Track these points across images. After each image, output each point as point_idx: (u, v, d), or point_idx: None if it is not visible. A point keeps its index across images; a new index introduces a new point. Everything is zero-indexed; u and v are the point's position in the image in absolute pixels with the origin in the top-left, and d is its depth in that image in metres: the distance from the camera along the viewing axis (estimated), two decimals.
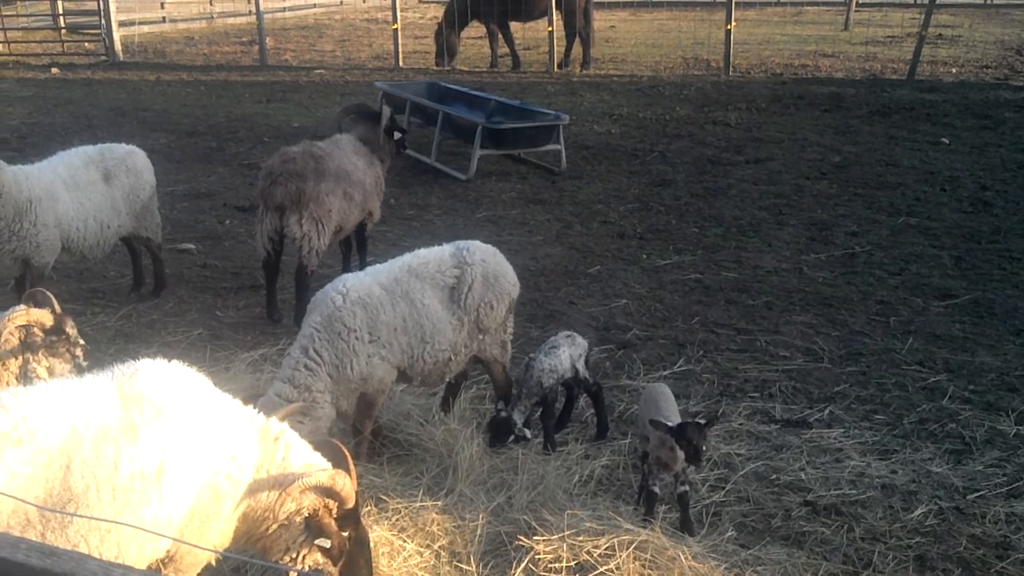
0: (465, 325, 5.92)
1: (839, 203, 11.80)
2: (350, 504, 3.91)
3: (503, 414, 5.97)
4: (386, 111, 9.08)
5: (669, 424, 5.09)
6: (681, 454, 5.11)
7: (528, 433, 5.98)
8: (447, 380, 6.26)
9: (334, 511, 3.91)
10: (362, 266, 8.58)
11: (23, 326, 5.03)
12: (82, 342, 5.27)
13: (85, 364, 5.14)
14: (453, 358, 5.94)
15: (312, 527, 3.88)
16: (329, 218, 8.13)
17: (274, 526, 3.88)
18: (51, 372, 5.04)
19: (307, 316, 5.59)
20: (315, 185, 8.00)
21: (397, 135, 9.16)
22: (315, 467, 3.90)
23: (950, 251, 10.08)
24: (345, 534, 3.95)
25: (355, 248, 9.21)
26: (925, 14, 21.10)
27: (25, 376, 4.95)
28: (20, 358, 4.99)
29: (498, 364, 6.31)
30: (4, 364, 4.94)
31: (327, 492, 3.86)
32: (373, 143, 8.91)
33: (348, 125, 9.13)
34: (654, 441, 5.21)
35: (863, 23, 27.85)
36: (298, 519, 3.87)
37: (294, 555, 3.90)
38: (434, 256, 5.98)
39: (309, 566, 3.91)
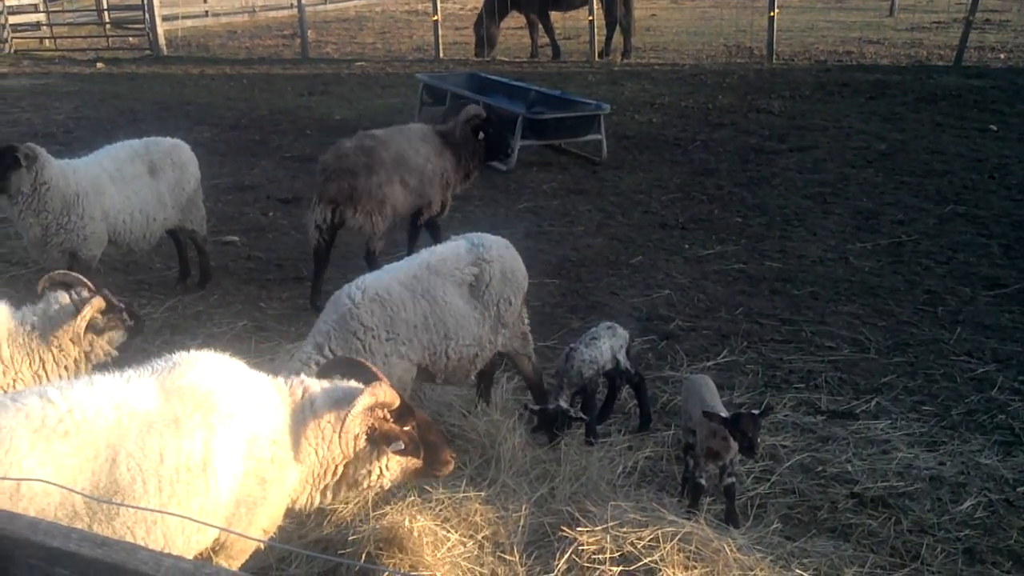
0: (487, 320, 5.86)
1: (885, 191, 11.64)
2: (397, 403, 4.05)
3: (551, 407, 5.90)
4: (475, 110, 9.13)
5: (724, 415, 5.04)
6: (734, 445, 5.07)
7: (573, 411, 5.94)
8: (471, 378, 6.15)
9: (388, 416, 4.03)
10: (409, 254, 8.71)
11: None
12: (123, 304, 5.45)
13: (132, 323, 5.44)
14: (479, 354, 5.87)
15: (377, 441, 4.02)
16: (384, 208, 8.42)
17: (341, 467, 4.03)
18: (111, 343, 5.33)
19: (324, 313, 5.53)
20: (367, 180, 8.27)
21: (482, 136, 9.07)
22: (343, 398, 4.01)
23: (999, 240, 9.91)
24: (408, 428, 4.08)
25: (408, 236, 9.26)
26: None
27: (90, 357, 5.21)
28: (87, 340, 5.18)
29: (522, 357, 6.26)
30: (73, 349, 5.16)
31: (372, 409, 3.98)
32: (449, 136, 9.00)
33: (446, 115, 9.20)
34: (704, 431, 5.17)
35: (908, 9, 27.40)
36: (361, 445, 4.01)
37: (377, 473, 4.09)
38: (451, 252, 5.89)
39: (396, 473, 4.14)
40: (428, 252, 5.94)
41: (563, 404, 5.89)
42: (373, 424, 4.01)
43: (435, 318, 5.58)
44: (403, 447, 4.03)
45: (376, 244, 8.49)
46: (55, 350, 5.03)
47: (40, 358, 5.00)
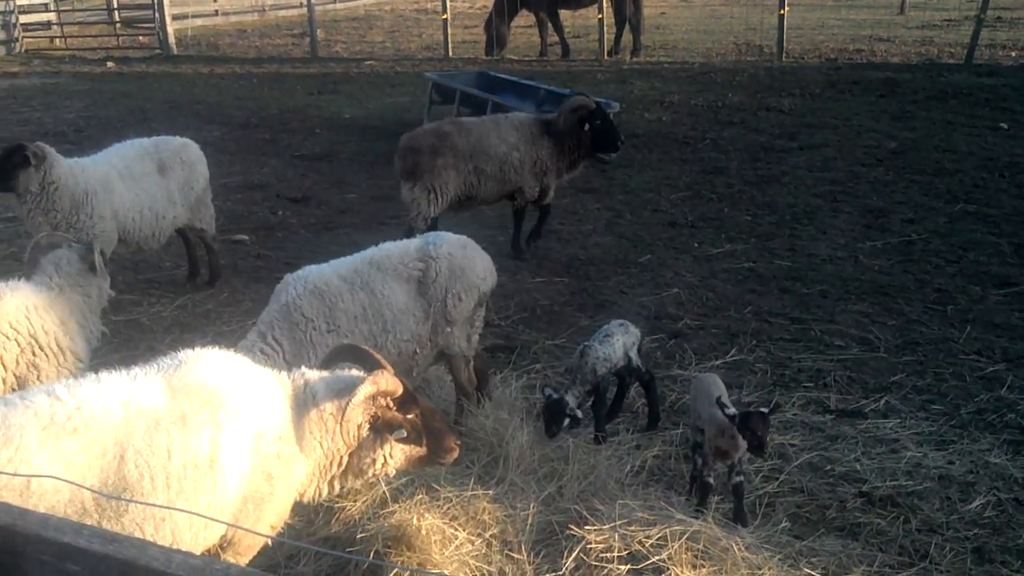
0: (430, 317, 5.82)
1: (895, 190, 11.61)
2: (400, 391, 4.06)
3: (555, 396, 5.88)
4: (580, 100, 9.29)
5: (733, 413, 5.03)
6: (742, 444, 5.06)
7: (580, 413, 5.92)
8: (415, 375, 5.99)
9: (390, 404, 4.06)
10: (515, 239, 9.68)
11: None
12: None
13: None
14: (418, 351, 5.83)
15: (380, 429, 4.04)
16: (444, 188, 8.96)
17: (346, 456, 4.05)
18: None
19: (270, 302, 5.57)
20: (430, 159, 8.87)
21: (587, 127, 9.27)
22: (345, 388, 4.03)
23: (1009, 238, 9.87)
24: (411, 416, 4.10)
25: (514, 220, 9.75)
26: None
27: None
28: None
29: (461, 359, 6.10)
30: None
31: (374, 397, 4.00)
32: (552, 125, 9.27)
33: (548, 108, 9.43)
34: (712, 430, 5.16)
35: (919, 6, 27.32)
36: (364, 434, 4.04)
37: (381, 462, 4.12)
38: (398, 249, 5.91)
39: (400, 461, 4.16)
40: (375, 248, 5.93)
41: (568, 399, 5.87)
42: (376, 413, 4.03)
43: (373, 310, 5.60)
44: (406, 435, 4.06)
45: (419, 223, 8.90)
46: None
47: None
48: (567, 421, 5.84)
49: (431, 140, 8.99)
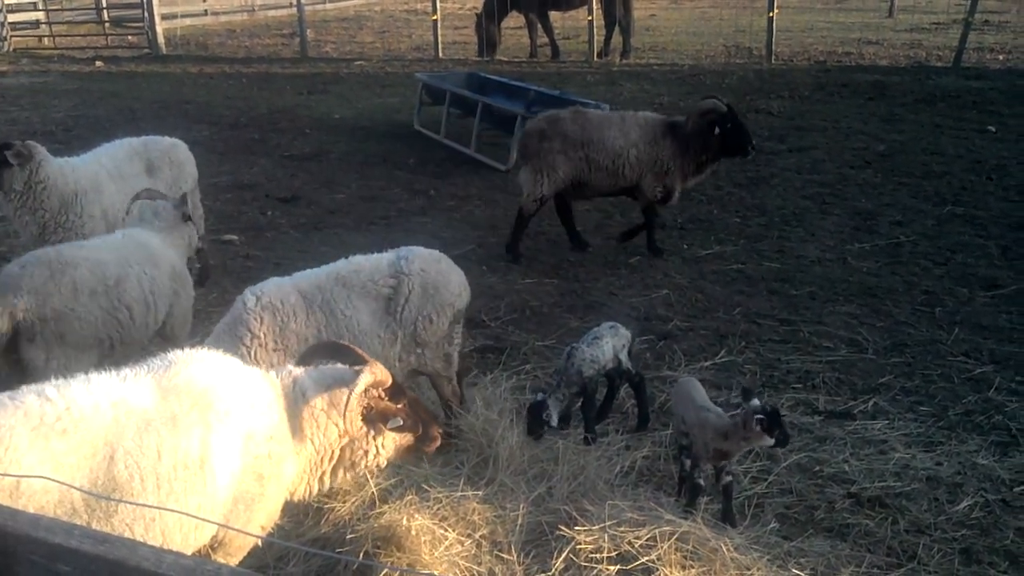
0: (399, 339, 5.55)
1: (884, 192, 11.66)
2: (390, 380, 4.13)
3: (538, 399, 5.89)
4: (711, 104, 9.31)
5: (764, 410, 4.97)
6: (743, 444, 5.10)
7: (555, 421, 5.86)
8: None
9: (382, 395, 4.11)
10: (649, 238, 9.75)
11: None
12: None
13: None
14: None
15: (374, 420, 4.08)
16: (553, 173, 9.35)
17: (338, 450, 4.09)
18: None
19: (226, 314, 5.37)
20: (539, 143, 9.36)
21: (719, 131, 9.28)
22: (335, 382, 4.07)
23: (997, 241, 9.92)
24: (400, 405, 4.16)
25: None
26: (971, 0, 20.71)
27: None
28: None
29: (442, 379, 5.89)
30: None
31: (367, 389, 4.05)
32: (679, 127, 9.38)
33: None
34: (709, 433, 5.15)
35: (907, 10, 27.38)
36: (357, 427, 4.07)
37: (373, 453, 4.16)
38: (369, 264, 5.60)
39: (391, 451, 4.23)
40: (345, 262, 5.64)
41: (551, 404, 5.86)
42: (369, 404, 4.07)
43: (330, 332, 5.27)
44: (401, 423, 4.11)
45: (529, 205, 9.53)
46: None
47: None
48: (545, 428, 5.84)
49: (542, 125, 9.47)
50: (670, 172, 9.40)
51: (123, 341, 5.85)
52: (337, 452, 4.09)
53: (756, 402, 5.00)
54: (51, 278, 5.55)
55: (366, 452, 4.14)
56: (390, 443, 4.18)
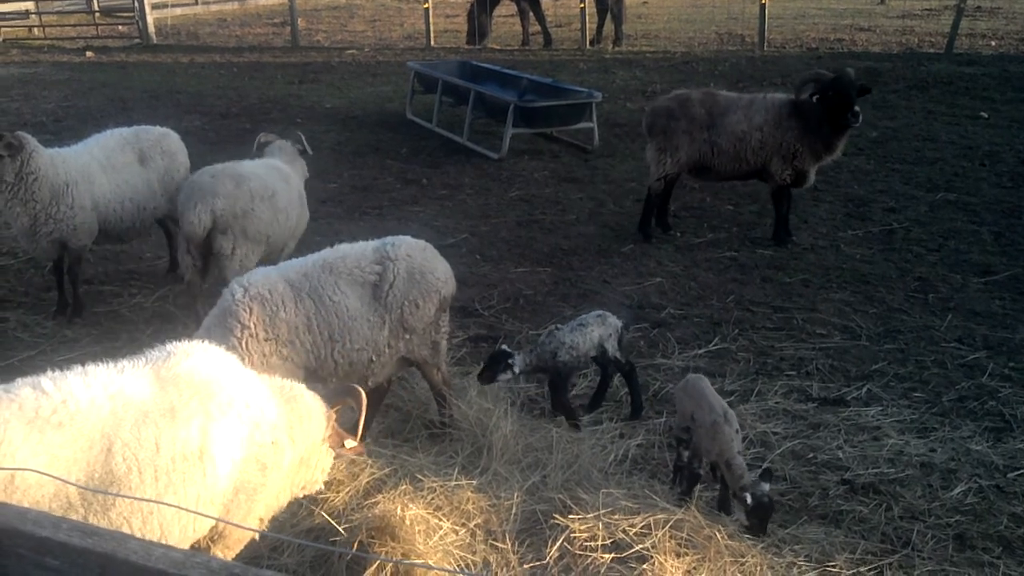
0: (387, 323, 5.56)
1: (876, 179, 11.66)
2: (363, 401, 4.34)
3: (507, 349, 6.11)
4: (807, 75, 9.30)
5: (760, 499, 4.88)
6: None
7: (517, 370, 6.05)
8: (370, 384, 5.62)
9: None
10: (776, 224, 9.66)
11: None
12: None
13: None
14: (375, 359, 5.56)
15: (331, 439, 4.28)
16: (674, 152, 9.46)
17: (314, 457, 4.22)
18: None
19: (215, 306, 5.37)
20: (664, 121, 9.48)
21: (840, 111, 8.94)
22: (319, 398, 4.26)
23: (989, 227, 9.93)
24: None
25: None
26: None
27: None
28: None
29: (430, 367, 5.90)
30: None
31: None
32: (801, 107, 9.16)
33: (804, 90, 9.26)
34: (717, 450, 5.09)
35: None
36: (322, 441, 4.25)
37: (322, 469, 4.32)
38: (354, 251, 5.63)
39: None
40: (330, 250, 5.68)
41: (517, 359, 6.03)
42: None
43: (319, 319, 5.32)
44: (355, 444, 4.37)
45: (654, 184, 9.67)
46: None
47: None
48: (507, 374, 6.01)
49: (670, 104, 9.56)
50: (799, 155, 9.21)
51: (276, 240, 7.38)
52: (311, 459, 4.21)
53: (766, 487, 4.95)
54: (237, 186, 7.07)
55: (323, 469, 4.33)
56: (328, 462, 4.35)
